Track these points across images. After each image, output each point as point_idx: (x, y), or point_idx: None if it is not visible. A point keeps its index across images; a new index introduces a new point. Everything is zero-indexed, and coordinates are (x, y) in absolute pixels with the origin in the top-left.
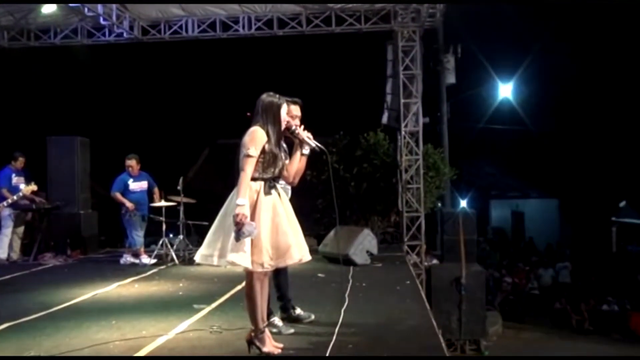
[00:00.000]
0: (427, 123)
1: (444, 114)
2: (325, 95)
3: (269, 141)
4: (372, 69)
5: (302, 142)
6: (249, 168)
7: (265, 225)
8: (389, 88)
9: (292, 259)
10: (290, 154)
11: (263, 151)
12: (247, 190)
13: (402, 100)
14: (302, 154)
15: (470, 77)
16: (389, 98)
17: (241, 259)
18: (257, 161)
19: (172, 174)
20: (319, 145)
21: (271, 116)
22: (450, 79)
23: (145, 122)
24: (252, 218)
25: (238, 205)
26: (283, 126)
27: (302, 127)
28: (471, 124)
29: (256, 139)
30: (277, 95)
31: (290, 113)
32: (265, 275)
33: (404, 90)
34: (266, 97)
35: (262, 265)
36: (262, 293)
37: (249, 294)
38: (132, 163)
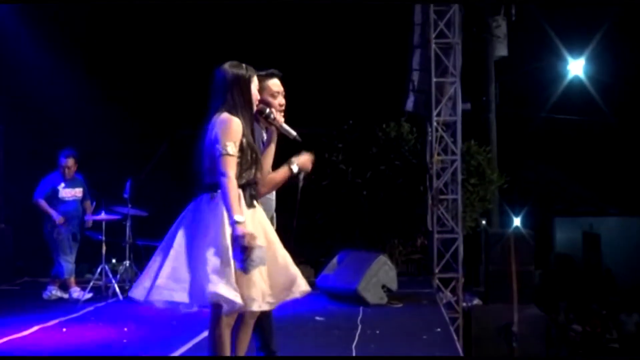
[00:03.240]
0: (468, 110)
1: (492, 99)
2: (327, 71)
3: (244, 132)
4: (393, 35)
5: (277, 129)
6: (232, 171)
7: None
8: (415, 62)
9: (300, 290)
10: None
11: (240, 146)
12: (238, 202)
13: (433, 79)
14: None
15: (528, 49)
16: (415, 76)
17: (231, 291)
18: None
19: (115, 177)
20: (297, 137)
21: (240, 95)
22: (501, 50)
23: (79, 105)
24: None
25: (237, 223)
26: (255, 109)
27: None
28: (529, 113)
29: (233, 131)
30: (244, 65)
31: (269, 90)
32: (252, 317)
33: (437, 65)
34: (230, 68)
35: (256, 300)
36: (239, 343)
37: (214, 345)
38: (69, 162)
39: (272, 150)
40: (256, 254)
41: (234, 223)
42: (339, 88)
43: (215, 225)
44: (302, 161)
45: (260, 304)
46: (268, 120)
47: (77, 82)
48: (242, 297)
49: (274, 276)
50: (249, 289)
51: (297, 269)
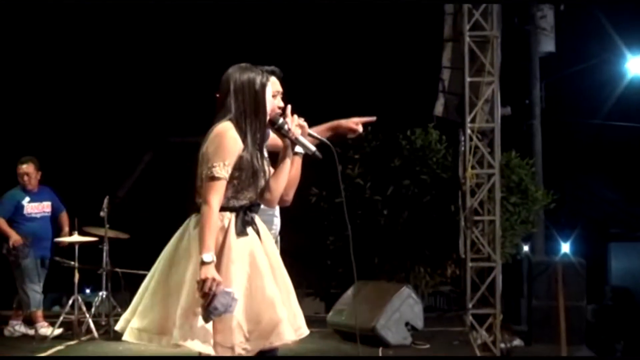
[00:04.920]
0: (508, 115)
1: (536, 102)
2: (341, 69)
3: (245, 147)
4: (420, 27)
5: (292, 143)
6: (215, 199)
7: (237, 285)
8: (446, 59)
9: (282, 338)
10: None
11: (237, 164)
12: (213, 237)
13: (467, 79)
14: (294, 154)
15: (579, 44)
16: (446, 75)
17: (196, 340)
18: (229, 182)
19: (91, 192)
20: (325, 141)
21: (250, 103)
22: (548, 45)
23: (50, 109)
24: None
25: (203, 263)
26: (267, 119)
27: (291, 112)
28: (580, 119)
29: (226, 147)
30: (258, 68)
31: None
32: None
33: (472, 62)
34: (239, 71)
35: (231, 348)
36: None
37: None
38: (28, 169)
39: (285, 168)
40: (220, 302)
41: (200, 262)
42: (356, 89)
43: (197, 256)
44: (297, 139)
45: (232, 352)
46: (281, 132)
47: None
48: (215, 343)
49: (253, 317)
50: (223, 334)
51: (288, 310)
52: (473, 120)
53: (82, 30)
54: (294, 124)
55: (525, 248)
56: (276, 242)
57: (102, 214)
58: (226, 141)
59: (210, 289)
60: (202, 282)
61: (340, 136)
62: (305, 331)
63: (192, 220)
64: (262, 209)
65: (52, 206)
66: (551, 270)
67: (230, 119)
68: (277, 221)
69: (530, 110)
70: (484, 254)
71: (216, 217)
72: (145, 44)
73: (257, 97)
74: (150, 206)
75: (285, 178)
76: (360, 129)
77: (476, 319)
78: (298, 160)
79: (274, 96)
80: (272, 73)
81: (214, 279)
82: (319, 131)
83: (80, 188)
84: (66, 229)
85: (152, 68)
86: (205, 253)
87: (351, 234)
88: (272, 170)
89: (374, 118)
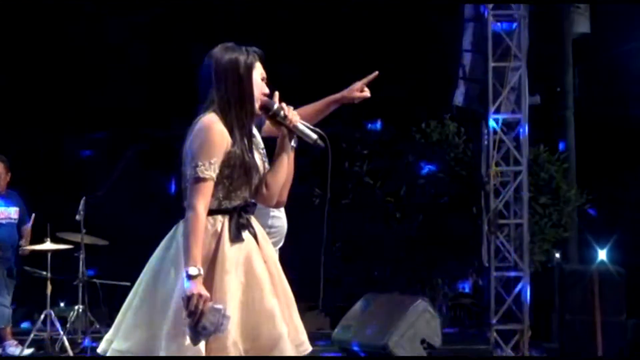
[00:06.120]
0: (537, 105)
1: (569, 90)
2: (346, 51)
3: (233, 140)
4: (437, 5)
5: (290, 132)
6: (201, 202)
7: (232, 298)
8: (467, 42)
9: (283, 354)
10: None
11: (226, 161)
12: (200, 247)
13: (491, 64)
14: (291, 148)
15: (618, 24)
16: (467, 59)
17: (187, 357)
18: (216, 182)
19: (65, 193)
20: (320, 132)
21: (235, 90)
22: (582, 26)
23: (18, 97)
24: (207, 289)
25: (189, 277)
26: (257, 105)
27: (279, 100)
28: (618, 109)
29: (211, 143)
30: (243, 48)
31: None
32: None
33: (496, 45)
34: (220, 53)
35: None
36: None
37: None
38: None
39: (283, 162)
40: (209, 320)
41: (185, 276)
42: (363, 74)
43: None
44: (296, 126)
45: None
46: (277, 120)
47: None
48: None
49: (250, 334)
50: (217, 352)
51: (295, 321)
52: (497, 111)
53: (46, 21)
54: (290, 111)
55: (557, 255)
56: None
57: (77, 217)
58: (211, 136)
59: (196, 306)
60: (187, 299)
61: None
62: (308, 347)
63: (180, 226)
64: (263, 211)
65: (19, 213)
66: (586, 281)
67: (214, 110)
68: (279, 222)
69: (563, 99)
70: (510, 262)
71: (203, 223)
72: (121, 26)
73: (242, 82)
74: (132, 209)
75: (285, 171)
76: (367, 93)
77: (501, 335)
78: (292, 155)
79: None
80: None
81: (200, 295)
82: (313, 111)
83: (52, 188)
84: (24, 241)
85: (131, 52)
86: (191, 266)
87: (351, 239)
88: (267, 163)
89: (376, 73)
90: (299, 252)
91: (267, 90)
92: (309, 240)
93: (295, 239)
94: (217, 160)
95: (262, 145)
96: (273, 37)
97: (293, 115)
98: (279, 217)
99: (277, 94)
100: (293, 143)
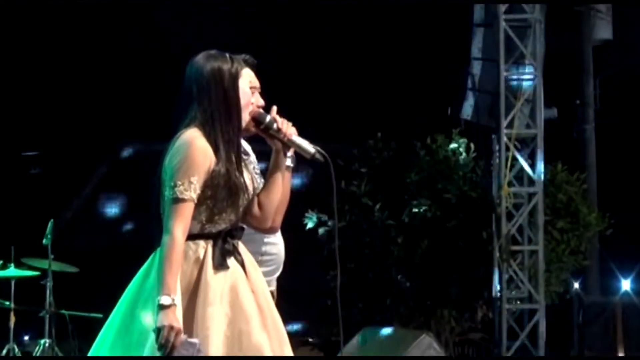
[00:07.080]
0: (554, 119)
1: (590, 102)
2: (346, 62)
3: (218, 158)
4: (443, 8)
5: (285, 146)
6: (179, 226)
7: (215, 332)
8: (476, 48)
9: None
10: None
11: (209, 180)
12: (176, 275)
13: (503, 73)
14: (287, 168)
15: None
16: (476, 68)
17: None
18: (198, 203)
19: (31, 215)
20: (320, 150)
21: (222, 99)
22: (603, 32)
23: None
24: (188, 323)
25: (161, 307)
26: (246, 117)
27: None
28: None
29: (192, 161)
30: (227, 56)
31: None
32: None
33: (508, 52)
34: (205, 61)
35: None
36: None
37: None
38: None
39: (277, 180)
40: (181, 355)
41: (156, 306)
42: (363, 86)
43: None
44: (291, 139)
45: None
46: (270, 133)
47: None
48: None
49: None
50: None
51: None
52: (510, 125)
53: (21, 33)
54: (285, 123)
55: (576, 285)
56: (272, 280)
57: (45, 241)
58: (192, 153)
59: (167, 339)
60: (157, 332)
61: None
62: None
63: (159, 253)
64: (256, 236)
65: None
66: (608, 313)
67: (196, 125)
68: (275, 249)
69: (582, 112)
70: (523, 292)
71: (180, 248)
72: (92, 37)
73: (227, 93)
74: (105, 232)
75: (279, 191)
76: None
77: None
78: (288, 175)
79: (253, 92)
80: (245, 63)
81: (171, 327)
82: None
83: (17, 209)
84: None
85: (106, 68)
86: (164, 294)
87: (348, 265)
88: (257, 178)
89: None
90: (290, 281)
91: (260, 102)
92: (303, 267)
93: (285, 266)
94: (198, 179)
95: (255, 164)
96: (280, 53)
97: (288, 127)
98: (275, 244)
99: (274, 108)
100: (289, 162)
